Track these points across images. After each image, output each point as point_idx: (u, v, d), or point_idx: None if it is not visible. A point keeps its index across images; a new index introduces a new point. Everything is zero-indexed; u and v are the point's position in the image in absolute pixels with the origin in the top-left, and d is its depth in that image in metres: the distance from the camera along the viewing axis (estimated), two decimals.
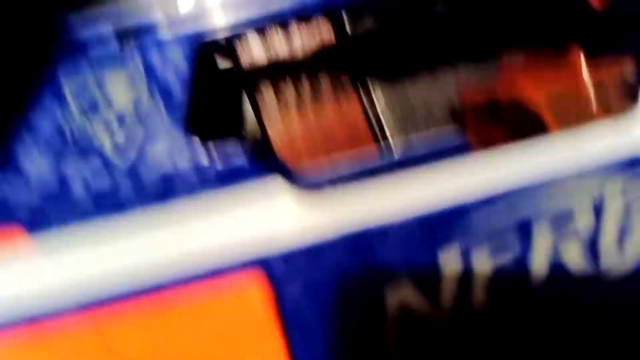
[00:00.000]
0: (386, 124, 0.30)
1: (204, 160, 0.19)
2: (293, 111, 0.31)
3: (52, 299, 0.17)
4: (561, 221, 0.18)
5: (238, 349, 0.17)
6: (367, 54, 0.30)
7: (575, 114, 0.20)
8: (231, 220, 0.18)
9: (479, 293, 0.18)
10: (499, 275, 0.18)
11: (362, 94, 0.30)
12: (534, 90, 0.21)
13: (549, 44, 0.26)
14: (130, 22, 0.20)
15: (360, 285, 0.18)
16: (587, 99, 0.20)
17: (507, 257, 0.18)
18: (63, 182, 0.19)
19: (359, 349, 0.18)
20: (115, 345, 0.17)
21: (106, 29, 0.20)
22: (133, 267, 0.18)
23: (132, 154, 0.19)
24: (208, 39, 0.21)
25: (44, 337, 0.17)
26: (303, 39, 0.30)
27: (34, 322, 0.17)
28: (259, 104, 0.31)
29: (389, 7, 0.22)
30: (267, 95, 0.31)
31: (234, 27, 0.21)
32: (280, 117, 0.31)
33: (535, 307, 0.19)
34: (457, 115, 0.30)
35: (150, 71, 0.20)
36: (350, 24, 0.29)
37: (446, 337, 0.18)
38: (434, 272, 0.18)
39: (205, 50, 0.21)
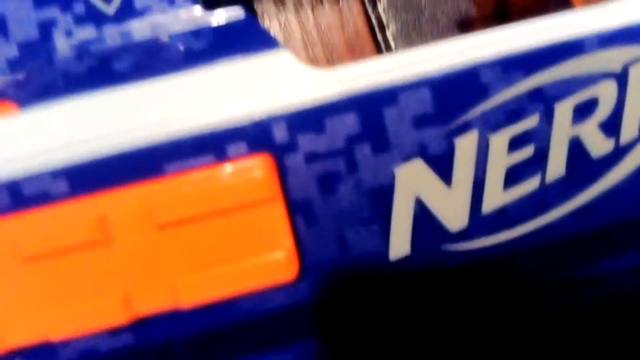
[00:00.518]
0: (389, 29, 0.28)
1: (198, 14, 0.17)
2: (291, 14, 0.29)
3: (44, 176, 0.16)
4: (583, 100, 0.17)
5: (241, 229, 0.16)
6: None
7: None
8: (228, 91, 0.17)
9: (494, 176, 0.17)
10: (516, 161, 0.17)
11: None
12: None
13: None
14: None
15: (369, 164, 0.17)
16: None
17: (526, 140, 0.17)
18: (45, 31, 0.17)
19: (364, 226, 0.17)
20: (111, 226, 0.16)
21: None
22: (129, 144, 0.16)
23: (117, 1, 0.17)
24: None
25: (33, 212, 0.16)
26: None
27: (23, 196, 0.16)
28: (255, 5, 0.29)
29: None
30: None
31: None
32: (278, 22, 0.29)
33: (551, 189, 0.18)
34: (466, 23, 0.28)
35: None
36: None
37: (456, 221, 0.17)
38: (449, 155, 0.17)
39: None
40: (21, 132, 0.17)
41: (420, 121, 0.17)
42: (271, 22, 0.29)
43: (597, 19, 0.17)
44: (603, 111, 0.18)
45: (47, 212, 0.17)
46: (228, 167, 0.17)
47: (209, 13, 0.18)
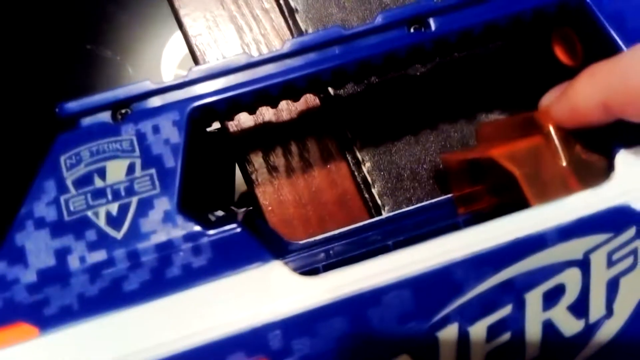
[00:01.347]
0: (374, 186, 0.30)
1: (196, 231, 0.19)
2: (282, 176, 0.31)
3: None
4: (551, 288, 0.19)
5: None
6: (351, 118, 0.31)
7: (550, 187, 0.21)
8: (227, 305, 0.19)
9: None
10: (495, 346, 0.19)
11: (348, 157, 0.31)
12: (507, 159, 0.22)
13: (522, 108, 0.27)
14: (121, 93, 0.21)
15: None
16: (563, 170, 0.21)
17: (502, 328, 0.19)
18: (61, 259, 0.19)
19: None
20: None
21: (99, 103, 0.21)
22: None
23: (125, 226, 0.19)
24: (198, 104, 0.21)
25: None
26: (289, 105, 0.31)
27: None
28: (249, 169, 0.31)
29: (370, 71, 0.23)
30: (256, 161, 0.31)
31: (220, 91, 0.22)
32: (270, 182, 0.31)
33: None
34: (441, 176, 0.30)
35: (142, 141, 0.20)
36: (334, 88, 0.30)
37: None
38: (433, 347, 0.18)
39: (195, 117, 0.21)
40: (41, 355, 0.19)
41: (404, 318, 0.19)
42: (265, 187, 0.31)
43: (554, 214, 0.19)
44: (570, 295, 0.19)
45: None
46: None
47: (206, 229, 0.20)
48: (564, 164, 0.21)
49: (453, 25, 0.22)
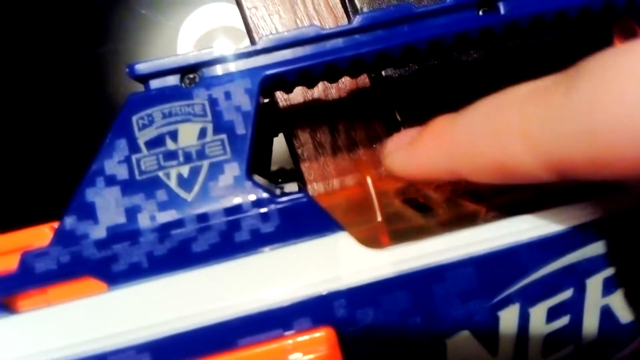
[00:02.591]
0: None
1: (265, 197, 0.20)
2: (328, 152, 0.31)
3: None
4: (612, 275, 0.19)
5: None
6: (400, 100, 0.31)
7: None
8: (294, 271, 0.19)
9: (535, 344, 0.19)
10: (553, 328, 0.19)
11: None
12: None
13: None
14: (191, 57, 0.21)
15: (422, 335, 0.18)
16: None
17: (562, 311, 0.19)
18: (131, 217, 0.19)
19: None
20: None
21: (168, 66, 0.21)
22: (206, 320, 0.18)
23: (196, 188, 0.20)
24: (269, 73, 0.21)
25: None
26: (339, 82, 0.31)
27: None
28: (295, 144, 0.31)
29: (438, 51, 0.23)
30: (303, 136, 0.32)
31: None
32: (315, 158, 0.32)
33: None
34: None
35: (213, 106, 0.20)
36: (400, 67, 0.30)
37: None
38: (494, 327, 0.19)
39: (265, 86, 0.21)
40: (109, 309, 0.19)
41: (467, 296, 0.19)
42: (310, 163, 0.31)
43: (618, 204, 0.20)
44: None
45: None
46: (294, 340, 0.19)
47: (274, 197, 0.20)
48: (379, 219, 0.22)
49: (522, 10, 0.23)
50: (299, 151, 0.31)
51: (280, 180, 0.32)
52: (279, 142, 0.32)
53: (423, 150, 0.19)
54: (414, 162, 0.19)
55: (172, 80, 0.21)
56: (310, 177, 0.31)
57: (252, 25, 0.31)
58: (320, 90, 0.31)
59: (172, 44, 0.33)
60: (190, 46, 0.34)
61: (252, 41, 0.31)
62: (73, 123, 0.34)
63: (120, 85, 0.35)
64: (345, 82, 0.31)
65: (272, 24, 0.32)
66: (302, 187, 0.26)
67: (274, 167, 0.35)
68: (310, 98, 0.32)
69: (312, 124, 0.32)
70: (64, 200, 0.20)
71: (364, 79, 0.32)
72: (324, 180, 0.31)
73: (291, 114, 0.32)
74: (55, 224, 0.21)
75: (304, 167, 0.31)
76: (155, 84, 0.21)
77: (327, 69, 0.22)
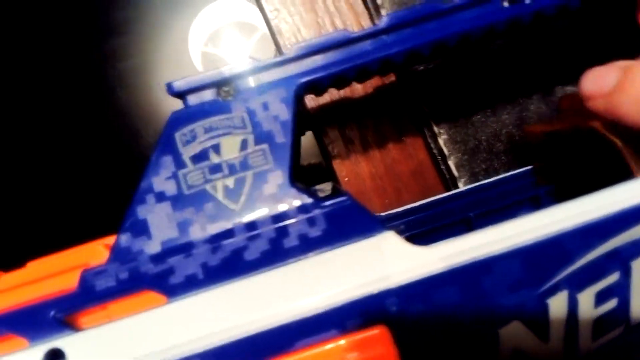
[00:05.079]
0: (450, 158, 0.31)
1: (309, 203, 0.20)
2: (358, 148, 0.32)
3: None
4: None
5: None
6: (427, 92, 0.31)
7: None
8: (345, 273, 0.19)
9: (585, 328, 0.19)
10: (602, 312, 0.20)
11: (424, 130, 0.31)
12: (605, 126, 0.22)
13: None
14: (225, 71, 0.22)
15: (474, 327, 0.19)
16: None
17: (609, 295, 0.19)
18: (183, 230, 0.20)
19: None
20: None
21: (204, 81, 0.21)
22: (263, 325, 0.19)
23: (242, 198, 0.20)
24: (303, 81, 0.22)
25: None
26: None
27: None
28: (325, 141, 0.32)
29: (467, 45, 0.24)
30: (333, 133, 0.32)
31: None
32: (346, 154, 0.32)
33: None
34: (518, 149, 0.31)
35: (252, 117, 0.21)
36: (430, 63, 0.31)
37: None
38: (544, 314, 0.19)
39: (299, 93, 0.22)
40: (172, 320, 0.20)
41: (515, 287, 0.20)
42: (342, 159, 0.32)
43: None
44: None
45: None
46: (350, 339, 0.19)
47: (318, 201, 0.21)
48: None
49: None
50: (330, 148, 0.32)
51: (309, 176, 0.32)
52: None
53: (624, 108, 0.20)
54: (619, 112, 0.20)
55: (209, 94, 0.22)
56: (342, 173, 0.32)
57: (275, 28, 0.32)
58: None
59: (183, 42, 0.34)
60: (202, 42, 0.34)
61: (277, 43, 0.32)
62: (78, 109, 0.35)
63: (133, 81, 0.36)
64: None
65: (295, 25, 0.32)
66: (336, 186, 0.27)
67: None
68: (338, 97, 0.32)
69: (340, 120, 0.32)
70: (110, 215, 0.21)
71: (389, 74, 0.32)
72: (356, 176, 0.32)
73: (320, 112, 0.32)
74: (106, 240, 0.22)
75: (336, 164, 0.32)
76: (192, 99, 0.22)
77: (358, 72, 0.23)
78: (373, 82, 0.32)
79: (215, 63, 0.31)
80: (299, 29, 0.32)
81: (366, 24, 0.32)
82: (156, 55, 0.29)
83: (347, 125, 0.32)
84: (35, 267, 0.22)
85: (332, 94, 0.32)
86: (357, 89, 0.32)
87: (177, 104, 0.22)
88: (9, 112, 0.33)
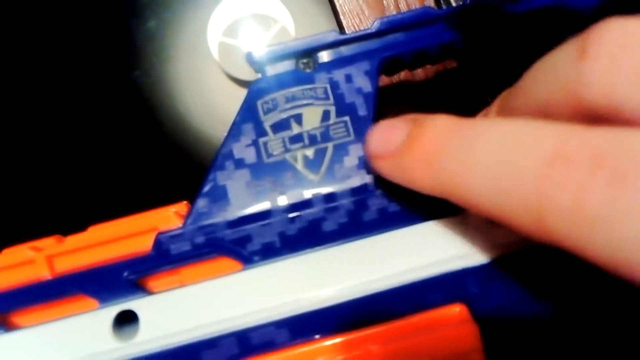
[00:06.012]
0: None
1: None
2: None
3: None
4: None
5: None
6: (491, 82, 0.31)
7: None
8: (425, 248, 0.19)
9: None
10: None
11: None
12: None
13: None
14: (307, 42, 0.21)
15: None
16: None
17: None
18: (261, 198, 0.20)
19: None
20: None
21: (285, 52, 0.21)
22: (341, 296, 0.19)
23: (322, 169, 0.20)
24: (388, 55, 0.22)
25: None
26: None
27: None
28: None
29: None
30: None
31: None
32: None
33: None
34: None
35: (335, 89, 0.21)
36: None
37: None
38: None
39: (382, 68, 0.22)
40: (248, 286, 0.20)
41: None
42: None
43: None
44: None
45: (272, 359, 0.19)
46: (430, 315, 0.19)
47: None
48: None
49: None
50: None
51: None
52: None
53: (415, 173, 0.16)
54: (403, 178, 0.17)
55: (288, 65, 0.22)
56: None
57: (339, 9, 0.32)
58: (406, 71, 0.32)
59: (202, 31, 0.34)
60: (220, 33, 0.34)
61: (340, 24, 0.32)
62: (104, 101, 0.35)
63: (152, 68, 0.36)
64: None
65: (359, 6, 0.32)
66: None
67: None
68: (397, 79, 0.32)
69: (398, 105, 0.32)
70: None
71: (451, 61, 0.32)
72: None
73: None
74: (173, 208, 0.22)
75: None
76: (271, 70, 0.22)
77: (440, 50, 0.22)
78: (435, 67, 0.31)
79: (231, 53, 0.32)
80: (363, 10, 0.32)
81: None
82: (175, 41, 0.30)
83: (404, 111, 0.32)
84: (99, 232, 0.22)
85: (391, 77, 0.32)
86: (418, 73, 0.32)
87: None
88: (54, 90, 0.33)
